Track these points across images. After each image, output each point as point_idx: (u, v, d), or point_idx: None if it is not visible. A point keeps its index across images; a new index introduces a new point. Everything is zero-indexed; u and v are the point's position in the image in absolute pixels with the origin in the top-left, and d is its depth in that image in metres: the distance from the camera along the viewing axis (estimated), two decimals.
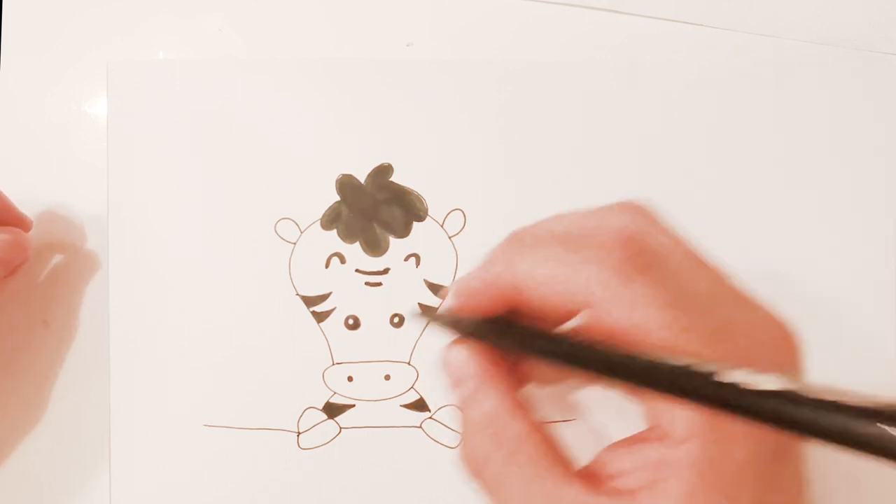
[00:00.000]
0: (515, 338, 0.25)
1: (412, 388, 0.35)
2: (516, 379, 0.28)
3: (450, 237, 0.35)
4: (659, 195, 0.36)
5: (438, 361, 0.27)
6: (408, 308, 0.35)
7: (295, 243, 0.35)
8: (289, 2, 0.36)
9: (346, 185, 0.36)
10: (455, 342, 0.27)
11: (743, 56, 0.36)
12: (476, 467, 0.26)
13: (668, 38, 0.36)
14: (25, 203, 0.36)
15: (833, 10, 0.36)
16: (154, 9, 0.36)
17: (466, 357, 0.26)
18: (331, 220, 0.35)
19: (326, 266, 0.35)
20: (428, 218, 0.35)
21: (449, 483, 0.35)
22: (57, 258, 0.36)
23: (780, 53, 0.36)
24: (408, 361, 0.35)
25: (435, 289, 0.35)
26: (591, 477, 0.24)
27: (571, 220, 0.25)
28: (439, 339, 0.35)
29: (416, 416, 0.35)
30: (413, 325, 0.35)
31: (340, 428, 0.35)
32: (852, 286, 0.36)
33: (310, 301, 0.35)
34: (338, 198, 0.36)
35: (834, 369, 0.35)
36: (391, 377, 0.35)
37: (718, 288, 0.24)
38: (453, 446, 0.35)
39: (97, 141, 0.36)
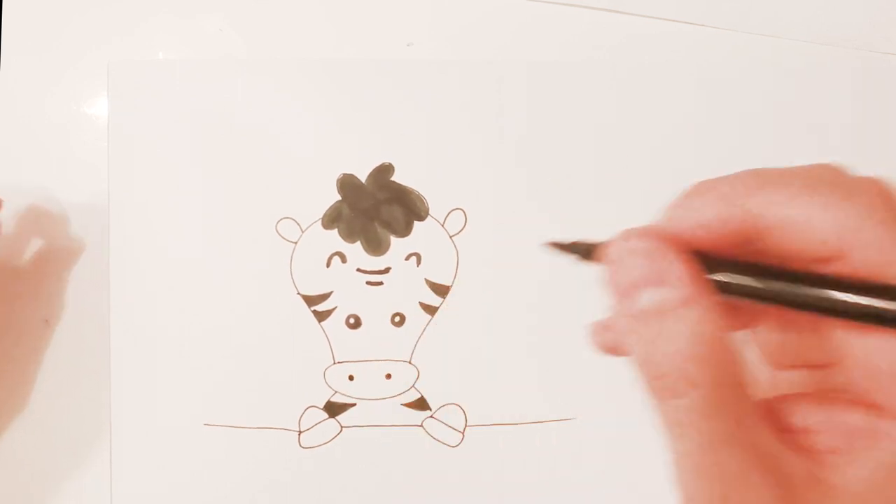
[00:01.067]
0: (747, 277, 0.22)
1: (413, 386, 0.35)
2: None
3: (451, 236, 0.36)
4: (659, 194, 0.36)
5: (616, 255, 0.22)
6: (409, 307, 0.36)
7: (296, 243, 0.35)
8: (289, 2, 0.36)
9: (346, 184, 0.36)
10: (637, 232, 0.23)
11: (743, 56, 0.36)
12: (676, 389, 0.21)
13: (668, 38, 0.36)
14: (24, 203, 0.36)
15: (833, 10, 0.36)
16: (154, 9, 0.36)
17: (672, 254, 0.21)
18: (332, 219, 0.36)
19: (327, 265, 0.36)
20: (429, 217, 0.36)
21: (449, 482, 0.35)
22: (57, 258, 0.36)
23: (780, 53, 0.36)
24: (409, 360, 0.35)
25: (436, 288, 0.35)
26: (773, 420, 0.21)
27: (807, 170, 0.23)
28: (440, 338, 0.35)
29: (417, 415, 0.35)
30: (414, 325, 0.35)
31: (341, 427, 0.35)
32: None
33: (311, 300, 0.35)
34: (339, 197, 0.36)
35: None
36: (392, 376, 0.35)
37: None
38: (454, 445, 0.35)
39: (97, 141, 0.36)
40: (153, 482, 0.35)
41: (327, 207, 0.35)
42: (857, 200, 0.21)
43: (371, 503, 0.35)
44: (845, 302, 0.20)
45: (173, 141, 0.36)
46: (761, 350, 0.24)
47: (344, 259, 0.35)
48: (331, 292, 0.35)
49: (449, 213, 0.36)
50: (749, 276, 0.21)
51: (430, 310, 0.35)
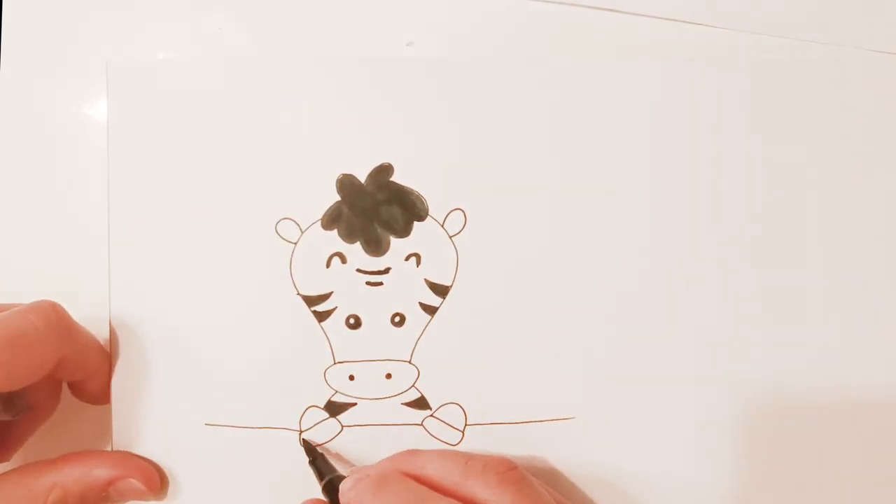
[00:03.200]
0: None
1: (413, 386, 0.36)
2: None
3: (450, 237, 0.36)
4: (659, 194, 0.36)
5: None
6: (409, 307, 0.36)
7: (295, 243, 0.36)
8: (288, 1, 0.36)
9: (346, 184, 0.36)
10: None
11: (743, 56, 0.36)
12: None
13: (668, 38, 0.36)
14: (25, 204, 0.36)
15: (833, 10, 0.36)
16: (154, 8, 0.36)
17: None
18: (331, 219, 0.36)
19: (327, 266, 0.36)
20: (428, 217, 0.36)
21: None
22: (56, 258, 0.36)
23: (780, 53, 0.36)
24: (409, 360, 0.36)
25: (436, 288, 0.35)
26: None
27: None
28: (440, 338, 0.35)
29: (418, 414, 0.36)
30: (414, 325, 0.35)
31: (342, 426, 0.36)
32: (852, 287, 0.36)
33: (311, 301, 0.36)
34: (338, 197, 0.36)
35: (839, 372, 0.35)
36: (392, 376, 0.36)
37: None
38: (454, 444, 0.35)
39: (97, 141, 0.36)
40: None
41: (327, 208, 0.35)
42: None
43: None
44: None
45: (172, 141, 0.36)
46: None
47: (344, 259, 0.36)
48: (331, 293, 0.36)
49: (449, 214, 0.36)
50: None
51: (430, 310, 0.35)
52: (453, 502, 0.29)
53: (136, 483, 0.34)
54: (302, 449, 0.35)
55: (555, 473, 0.35)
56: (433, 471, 0.32)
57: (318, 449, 0.35)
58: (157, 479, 0.35)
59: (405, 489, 0.31)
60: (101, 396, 0.35)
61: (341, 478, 0.33)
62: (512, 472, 0.31)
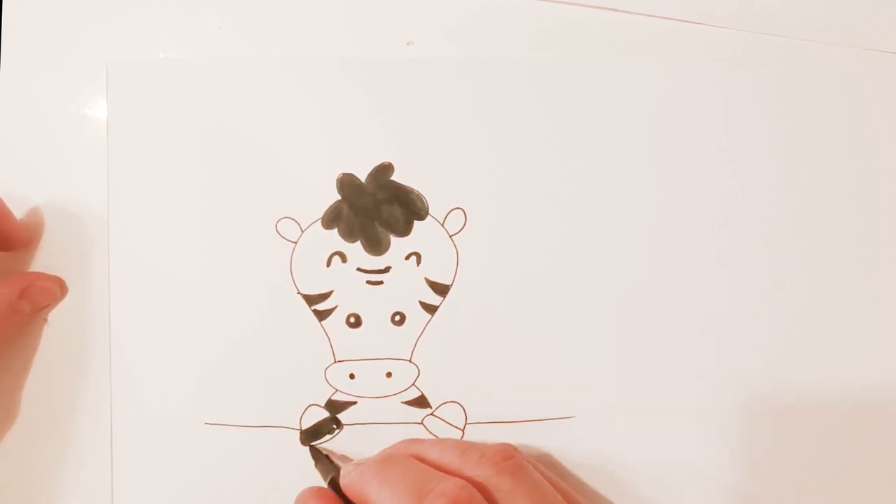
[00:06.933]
0: None
1: (413, 385, 0.36)
2: None
3: (450, 236, 0.36)
4: (659, 194, 0.36)
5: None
6: (409, 306, 0.36)
7: (296, 242, 0.36)
8: (288, 1, 0.36)
9: (346, 183, 0.36)
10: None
11: (743, 56, 0.36)
12: None
13: (669, 38, 0.36)
14: (25, 203, 0.36)
15: (833, 10, 0.36)
16: (154, 8, 0.36)
17: None
18: (331, 218, 0.36)
19: (327, 265, 0.36)
20: (429, 216, 0.36)
21: None
22: (57, 258, 0.36)
23: (780, 53, 0.36)
24: (409, 359, 0.36)
25: (436, 287, 0.36)
26: None
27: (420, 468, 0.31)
28: (440, 337, 0.35)
29: (418, 413, 0.36)
30: (414, 323, 0.36)
31: (342, 425, 0.36)
32: (853, 286, 0.36)
33: (311, 300, 0.36)
34: (338, 196, 0.36)
35: (843, 373, 0.36)
36: (392, 374, 0.36)
37: None
38: None
39: (97, 141, 0.36)
40: (154, 482, 0.35)
41: (327, 207, 0.36)
42: None
43: None
44: None
45: (173, 140, 0.36)
46: None
47: (344, 258, 0.36)
48: (331, 291, 0.36)
49: (449, 213, 0.36)
50: None
51: (431, 309, 0.36)
52: (457, 480, 0.29)
53: (45, 283, 0.35)
54: (302, 448, 0.35)
55: (555, 472, 0.35)
56: (433, 458, 0.32)
57: (323, 451, 0.35)
58: (58, 278, 0.36)
59: (409, 467, 0.31)
60: (11, 239, 0.35)
61: None
62: (509, 462, 0.31)
